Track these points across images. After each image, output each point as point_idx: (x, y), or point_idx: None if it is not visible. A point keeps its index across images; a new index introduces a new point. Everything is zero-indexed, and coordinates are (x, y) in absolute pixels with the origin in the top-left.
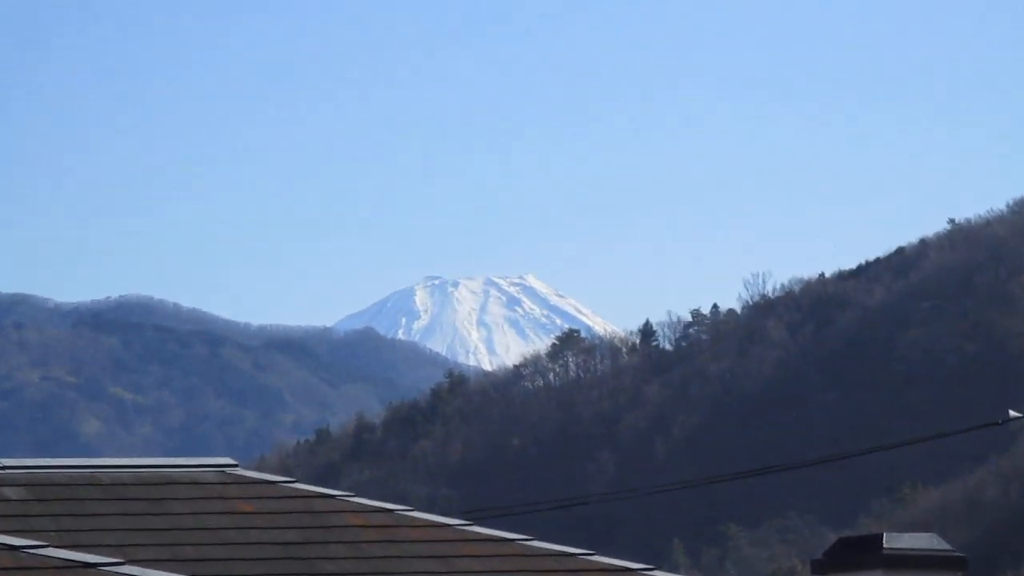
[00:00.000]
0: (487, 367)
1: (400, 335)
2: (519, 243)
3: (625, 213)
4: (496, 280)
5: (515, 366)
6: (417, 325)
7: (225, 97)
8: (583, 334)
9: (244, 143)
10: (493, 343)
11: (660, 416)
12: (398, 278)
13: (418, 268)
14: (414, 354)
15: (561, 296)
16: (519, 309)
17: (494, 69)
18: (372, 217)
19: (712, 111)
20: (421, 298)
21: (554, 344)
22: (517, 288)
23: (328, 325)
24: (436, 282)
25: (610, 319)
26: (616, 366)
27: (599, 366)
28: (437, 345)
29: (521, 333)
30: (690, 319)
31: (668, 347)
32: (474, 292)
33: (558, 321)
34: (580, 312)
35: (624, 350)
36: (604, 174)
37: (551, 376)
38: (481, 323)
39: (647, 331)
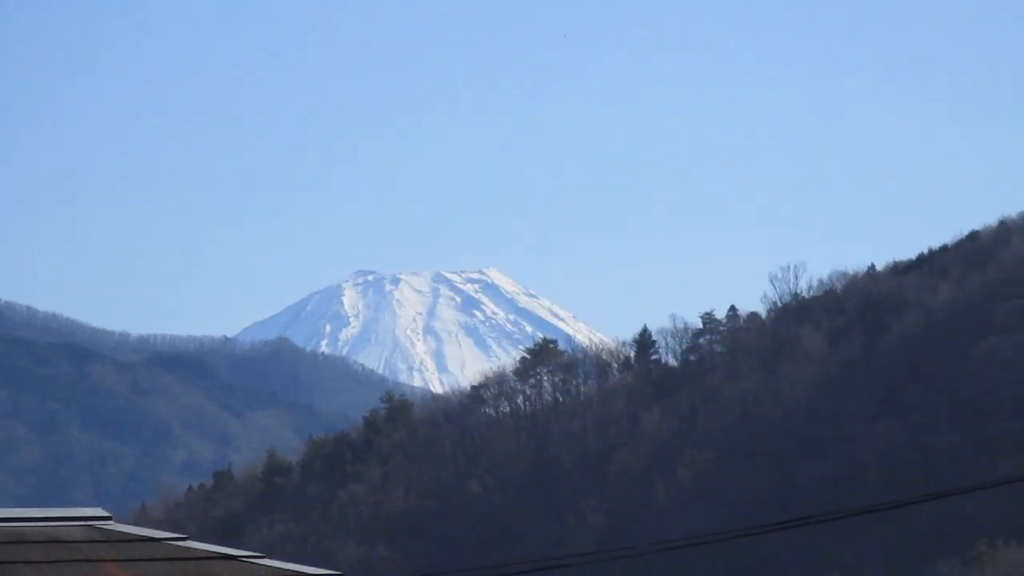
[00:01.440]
0: (436, 388)
1: (323, 347)
2: (477, 229)
3: (615, 192)
4: (448, 276)
5: (473, 387)
6: (345, 334)
7: (106, 67)
8: (561, 345)
9: (114, 104)
10: (444, 357)
11: (662, 452)
12: (321, 275)
13: (347, 262)
14: (341, 372)
15: (532, 296)
16: (478, 313)
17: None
18: (286, 198)
19: (725, 67)
20: (351, 299)
21: (524, 358)
22: (475, 286)
23: (229, 335)
24: (370, 278)
25: (596, 326)
26: (605, 387)
27: (583, 387)
28: (371, 360)
29: (481, 344)
30: (700, 326)
31: (672, 362)
32: (420, 291)
33: (528, 328)
34: (557, 317)
35: (615, 366)
36: (587, 144)
37: (520, 400)
38: (429, 331)
39: (645, 341)
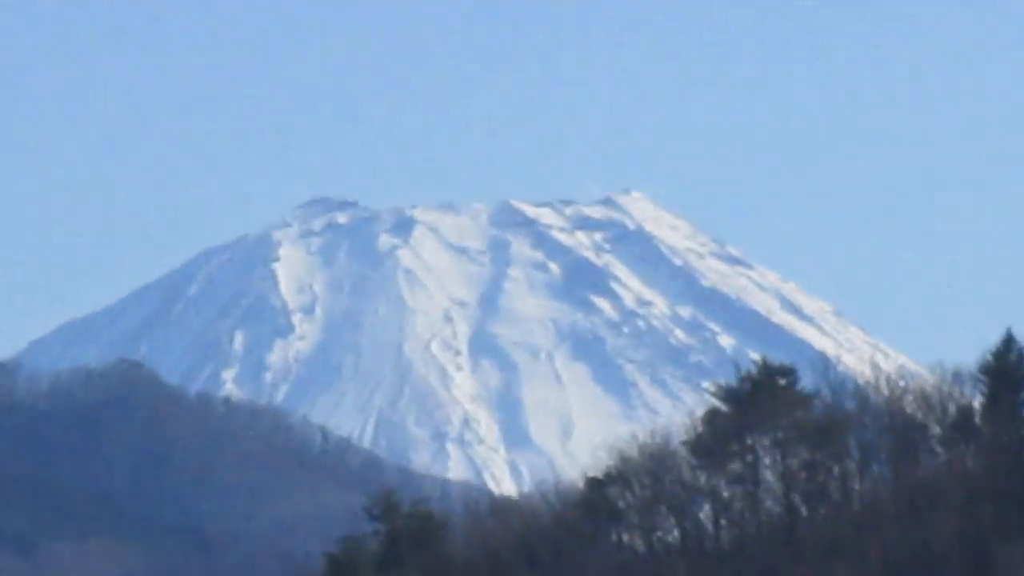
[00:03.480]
0: (503, 485)
1: (227, 384)
2: (602, 112)
3: (915, 58)
4: (530, 212)
5: (592, 480)
6: (281, 354)
7: None
8: (807, 379)
9: None
10: (521, 406)
11: None
12: (226, 211)
13: (289, 183)
14: (273, 443)
15: (737, 263)
16: (601, 301)
17: None
18: (149, 60)
19: None
20: (294, 266)
21: (715, 411)
22: (600, 235)
23: (6, 355)
24: (341, 219)
25: (886, 336)
26: (912, 478)
27: (859, 481)
28: (344, 416)
29: (607, 374)
30: None
31: None
32: (460, 249)
33: (724, 339)
34: (797, 313)
35: (935, 428)
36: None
37: (706, 513)
38: (482, 343)
39: (1007, 369)
